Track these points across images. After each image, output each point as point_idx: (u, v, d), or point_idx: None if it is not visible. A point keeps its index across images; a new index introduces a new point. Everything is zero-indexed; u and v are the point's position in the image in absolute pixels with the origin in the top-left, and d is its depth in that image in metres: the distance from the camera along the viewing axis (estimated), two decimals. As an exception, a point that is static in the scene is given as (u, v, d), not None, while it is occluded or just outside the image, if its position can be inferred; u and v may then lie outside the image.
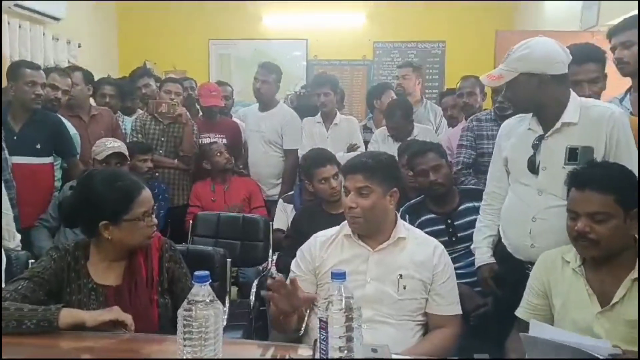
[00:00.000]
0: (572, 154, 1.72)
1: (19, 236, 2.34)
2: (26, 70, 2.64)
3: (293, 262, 1.73)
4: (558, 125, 1.75)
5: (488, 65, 5.79)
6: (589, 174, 1.47)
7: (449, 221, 2.25)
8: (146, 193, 1.57)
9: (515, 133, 1.89)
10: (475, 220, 2.09)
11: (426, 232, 2.01)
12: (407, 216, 2.28)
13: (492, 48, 5.68)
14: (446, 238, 2.19)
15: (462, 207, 2.28)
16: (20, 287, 1.45)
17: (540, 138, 1.79)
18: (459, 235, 2.22)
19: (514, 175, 1.88)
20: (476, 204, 2.15)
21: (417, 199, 2.43)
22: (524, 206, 1.82)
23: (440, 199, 2.30)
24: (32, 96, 2.64)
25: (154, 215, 1.58)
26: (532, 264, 1.73)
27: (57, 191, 2.78)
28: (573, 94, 1.80)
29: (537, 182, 1.79)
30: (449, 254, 1.96)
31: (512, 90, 1.79)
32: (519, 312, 1.61)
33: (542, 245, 1.73)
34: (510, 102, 1.94)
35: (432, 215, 2.29)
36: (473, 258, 2.06)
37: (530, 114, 1.84)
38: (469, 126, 2.84)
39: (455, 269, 1.93)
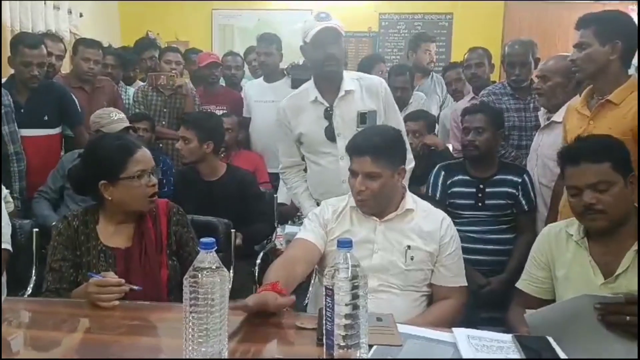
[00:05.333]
0: (362, 118, 2.03)
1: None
2: (24, 50, 2.56)
3: (305, 220, 1.74)
4: (342, 93, 2.04)
5: (496, 38, 5.68)
6: (580, 148, 1.50)
7: (481, 186, 2.24)
8: (143, 152, 1.58)
9: (302, 109, 2.09)
10: (507, 192, 2.21)
11: (455, 192, 2.26)
12: (442, 173, 2.31)
13: (501, 19, 5.53)
14: (472, 202, 2.23)
15: (497, 177, 2.26)
16: (49, 284, 1.53)
17: (329, 108, 2.03)
18: (486, 202, 2.23)
19: (313, 147, 2.11)
20: (513, 178, 2.23)
21: (458, 160, 2.44)
22: (332, 172, 2.05)
23: (477, 163, 2.28)
24: (27, 76, 2.59)
25: (154, 177, 1.59)
26: None
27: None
28: None
29: (338, 149, 2.03)
30: (470, 217, 2.20)
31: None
32: (520, 284, 1.62)
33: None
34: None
35: (466, 177, 2.28)
36: (493, 227, 2.17)
37: (308, 89, 2.10)
38: (487, 100, 2.75)
39: (472, 232, 2.17)
